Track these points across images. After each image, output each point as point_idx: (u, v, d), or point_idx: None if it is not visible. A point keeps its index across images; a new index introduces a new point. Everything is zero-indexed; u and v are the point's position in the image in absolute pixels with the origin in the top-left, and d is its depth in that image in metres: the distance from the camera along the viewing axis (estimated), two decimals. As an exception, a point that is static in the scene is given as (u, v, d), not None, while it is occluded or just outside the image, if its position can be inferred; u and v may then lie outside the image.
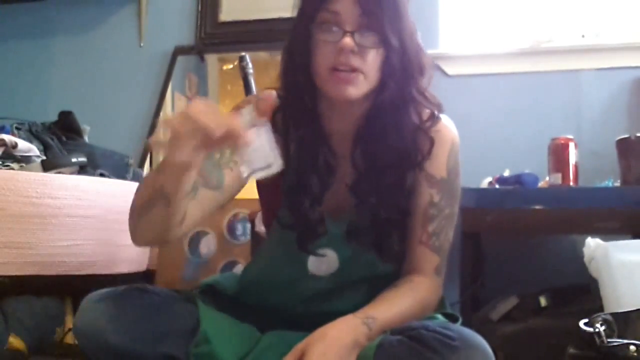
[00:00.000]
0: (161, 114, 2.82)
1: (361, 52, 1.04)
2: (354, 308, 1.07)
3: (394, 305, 1.09)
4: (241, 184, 1.17)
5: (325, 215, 1.15)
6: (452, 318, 1.20)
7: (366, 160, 1.13)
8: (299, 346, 1.01)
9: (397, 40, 1.05)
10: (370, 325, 1.04)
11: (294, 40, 1.12)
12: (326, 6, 1.05)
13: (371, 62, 1.05)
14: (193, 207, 1.07)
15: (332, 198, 1.16)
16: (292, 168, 1.14)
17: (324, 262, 1.15)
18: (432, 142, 1.14)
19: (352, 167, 1.14)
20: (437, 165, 1.15)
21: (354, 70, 1.05)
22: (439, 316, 1.18)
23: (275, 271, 1.18)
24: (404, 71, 1.07)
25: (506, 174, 1.98)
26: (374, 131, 1.11)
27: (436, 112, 1.15)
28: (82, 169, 2.08)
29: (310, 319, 1.07)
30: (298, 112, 1.14)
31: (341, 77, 1.05)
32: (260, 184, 1.25)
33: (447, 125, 1.17)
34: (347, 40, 1.03)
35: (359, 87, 1.06)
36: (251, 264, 1.26)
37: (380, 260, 1.15)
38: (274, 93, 1.20)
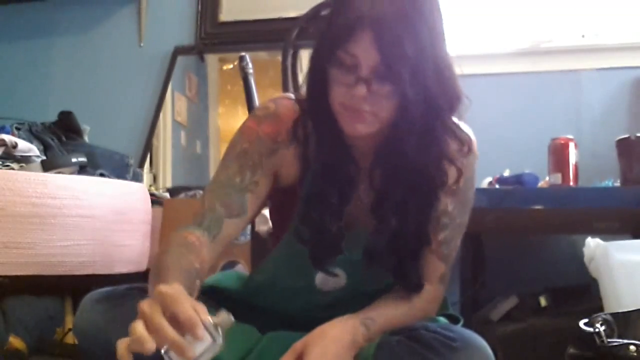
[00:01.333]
0: (161, 114, 2.82)
1: (374, 96, 0.99)
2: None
3: (394, 308, 1.08)
4: (266, 201, 1.15)
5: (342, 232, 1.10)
6: (454, 319, 1.20)
7: (386, 180, 1.08)
8: (298, 345, 1.01)
9: (417, 91, 0.97)
10: (369, 326, 1.04)
11: (313, 69, 1.06)
12: (345, 47, 0.97)
13: (385, 106, 1.00)
14: (217, 244, 1.06)
15: (351, 216, 1.12)
16: (311, 179, 1.10)
17: (331, 280, 1.13)
18: (459, 173, 1.09)
19: (371, 185, 1.10)
20: (449, 190, 1.11)
21: (367, 112, 1.00)
22: (441, 318, 1.18)
23: (280, 282, 1.17)
24: (422, 117, 1.00)
25: (506, 174, 1.98)
26: (392, 156, 1.06)
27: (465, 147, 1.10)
28: (82, 169, 2.08)
29: (312, 323, 1.06)
30: (319, 126, 1.09)
31: (351, 115, 1.01)
32: (275, 196, 1.20)
33: (468, 134, 1.13)
34: (360, 89, 0.98)
35: (370, 125, 1.02)
36: (257, 272, 1.24)
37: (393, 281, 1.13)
38: (291, 98, 1.15)
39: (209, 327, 0.84)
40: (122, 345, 0.81)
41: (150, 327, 0.80)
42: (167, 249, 1.04)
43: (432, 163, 1.06)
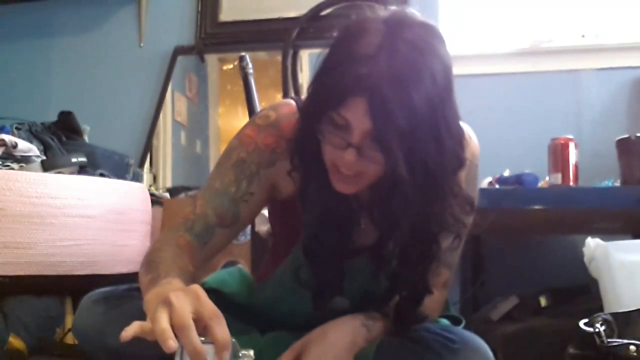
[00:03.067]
0: (161, 114, 2.82)
1: (364, 161, 0.93)
2: None
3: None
4: (259, 211, 1.13)
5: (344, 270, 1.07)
6: (456, 321, 1.19)
7: (385, 220, 1.03)
8: (297, 344, 1.01)
9: (410, 157, 0.91)
10: (370, 328, 1.03)
11: (306, 123, 1.00)
12: (338, 109, 0.92)
13: (374, 171, 0.95)
14: (206, 252, 1.05)
15: (353, 245, 1.09)
16: (312, 212, 1.06)
17: (333, 304, 1.10)
18: (464, 228, 1.04)
19: (372, 225, 1.05)
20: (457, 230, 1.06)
21: (355, 173, 0.96)
22: (442, 319, 1.18)
23: (281, 304, 1.16)
24: (420, 182, 0.93)
25: (506, 174, 1.98)
26: (388, 208, 1.00)
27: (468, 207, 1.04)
28: (82, 169, 2.08)
29: (313, 324, 1.06)
30: (312, 172, 1.03)
31: (338, 176, 0.97)
32: (274, 207, 1.20)
33: (470, 137, 1.10)
34: (349, 154, 0.92)
35: (356, 186, 0.98)
36: (258, 291, 1.21)
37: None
38: (293, 105, 1.10)
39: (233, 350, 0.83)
40: (135, 326, 0.81)
41: (177, 324, 0.78)
42: (162, 246, 1.02)
43: (433, 224, 1.00)
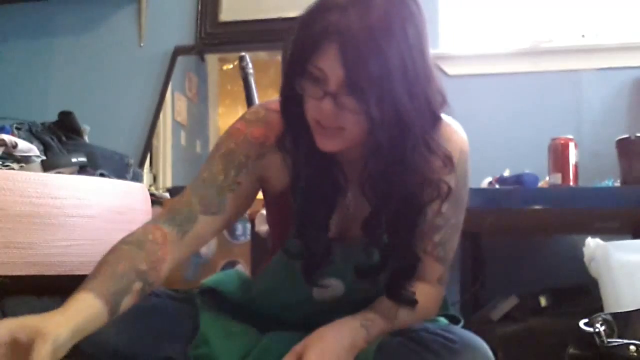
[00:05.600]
0: (161, 114, 2.82)
1: (342, 111, 0.96)
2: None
3: (394, 310, 1.08)
4: (247, 204, 1.14)
5: (333, 244, 1.09)
6: (454, 320, 1.19)
7: (376, 195, 1.05)
8: (297, 347, 1.01)
9: (385, 112, 0.93)
10: (369, 329, 1.04)
11: (287, 86, 1.03)
12: (312, 60, 0.95)
13: (355, 122, 0.97)
14: (187, 242, 1.05)
15: (342, 224, 1.12)
16: (300, 192, 1.08)
17: (328, 290, 1.12)
18: (448, 189, 1.06)
19: (364, 196, 1.06)
20: (438, 203, 1.08)
21: (336, 127, 0.98)
22: (441, 319, 1.18)
23: (278, 294, 1.16)
24: (397, 135, 0.96)
25: (506, 174, 1.98)
26: (378, 173, 1.03)
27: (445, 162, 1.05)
28: (82, 169, 2.08)
29: (312, 324, 1.06)
30: (298, 139, 1.07)
31: (322, 131, 0.99)
32: (269, 202, 1.21)
33: (457, 132, 1.11)
34: (325, 103, 0.95)
35: (340, 141, 1.00)
36: (255, 283, 1.23)
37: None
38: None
39: None
40: None
41: None
42: (117, 245, 1.04)
43: (414, 182, 1.02)
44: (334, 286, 1.12)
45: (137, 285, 0.97)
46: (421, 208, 1.05)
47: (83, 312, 0.92)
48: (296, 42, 0.99)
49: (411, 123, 0.96)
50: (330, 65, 0.94)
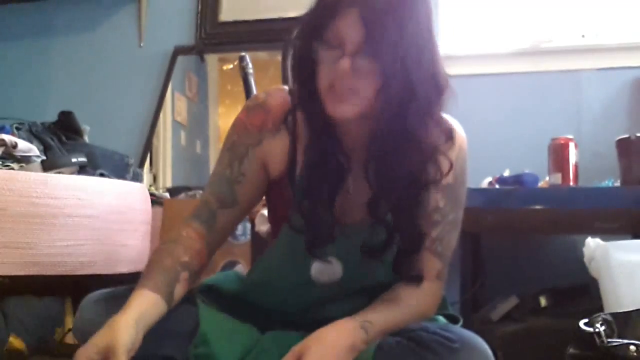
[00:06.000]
0: (161, 114, 2.82)
1: (359, 73, 1.01)
2: (353, 313, 1.07)
3: (393, 310, 1.08)
4: (258, 192, 1.18)
5: (336, 222, 1.11)
6: (453, 319, 1.19)
7: (379, 177, 1.08)
8: (296, 348, 1.01)
9: (399, 71, 1.00)
10: (368, 330, 1.04)
11: (300, 53, 1.09)
12: (330, 25, 1.01)
13: (369, 85, 1.02)
14: (215, 234, 1.13)
15: (345, 207, 1.13)
16: (301, 169, 1.12)
17: (327, 270, 1.13)
18: (450, 164, 1.10)
19: (366, 182, 1.10)
20: (440, 182, 1.11)
21: (349, 89, 1.02)
22: (440, 318, 1.18)
23: (277, 275, 1.17)
24: (406, 101, 1.02)
25: (506, 174, 1.98)
26: (382, 152, 1.07)
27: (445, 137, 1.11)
28: (82, 169, 2.08)
29: (312, 323, 1.06)
30: (309, 116, 1.11)
31: (336, 95, 1.03)
32: (269, 188, 1.22)
33: (456, 130, 1.14)
34: (344, 63, 1.00)
35: (354, 106, 1.03)
36: (256, 266, 1.25)
37: (391, 274, 1.13)
38: (285, 90, 1.18)
39: None
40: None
41: None
42: (159, 246, 1.12)
43: (417, 160, 1.07)
44: (333, 265, 1.12)
45: (184, 275, 1.06)
46: (423, 186, 1.09)
47: (143, 305, 0.99)
48: (314, 10, 1.05)
49: (419, 89, 1.02)
50: (349, 28, 0.99)
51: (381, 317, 1.06)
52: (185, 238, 1.10)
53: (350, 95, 1.02)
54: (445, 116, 1.11)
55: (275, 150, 1.15)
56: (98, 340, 0.94)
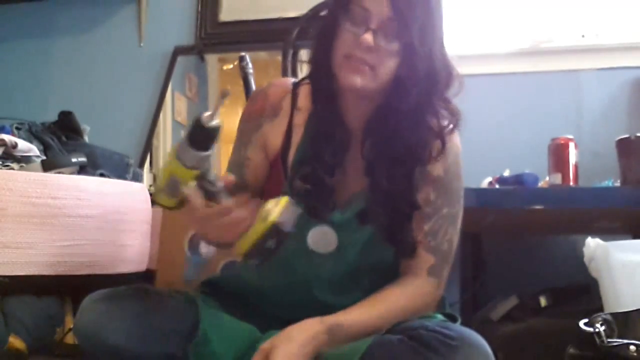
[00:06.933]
0: (161, 114, 2.82)
1: (378, 50, 1.05)
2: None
3: (371, 310, 1.09)
4: (262, 174, 1.25)
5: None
6: (451, 318, 1.20)
7: (376, 150, 1.14)
8: (265, 346, 1.03)
9: (421, 54, 1.05)
10: (335, 333, 1.06)
11: (324, 24, 1.13)
12: (358, 1, 1.06)
13: (386, 63, 1.06)
14: None
15: (339, 184, 1.16)
16: (304, 142, 1.17)
17: (322, 238, 1.16)
18: (443, 145, 1.14)
19: (361, 152, 1.16)
20: (434, 163, 1.15)
21: (366, 63, 1.06)
22: (439, 315, 1.18)
23: (274, 268, 1.17)
24: (419, 80, 1.07)
25: (506, 174, 1.98)
26: (383, 127, 1.12)
27: (452, 124, 1.16)
28: (82, 169, 2.08)
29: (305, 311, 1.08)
30: (317, 89, 1.17)
31: (352, 66, 1.07)
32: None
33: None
34: (367, 37, 1.04)
35: (368, 80, 1.07)
36: None
37: (390, 248, 1.15)
38: (288, 80, 1.25)
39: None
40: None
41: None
42: None
43: (418, 138, 1.12)
44: (328, 235, 1.15)
45: None
46: (417, 160, 1.13)
47: None
48: None
49: (436, 73, 1.08)
50: (377, 4, 1.04)
51: (353, 319, 1.08)
52: None
53: (367, 69, 1.06)
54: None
55: (273, 132, 1.21)
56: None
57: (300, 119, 1.20)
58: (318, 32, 1.15)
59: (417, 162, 1.14)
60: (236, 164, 1.23)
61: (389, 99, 1.10)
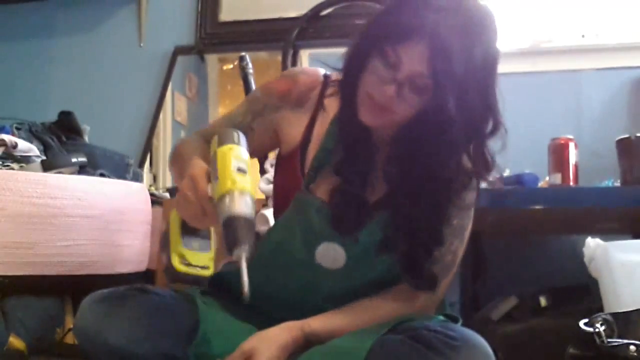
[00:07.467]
0: (161, 114, 2.82)
1: (402, 101, 1.00)
2: None
3: (356, 320, 1.10)
4: (259, 151, 1.22)
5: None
6: (452, 319, 1.19)
7: (399, 177, 1.09)
8: (245, 347, 1.05)
9: (452, 108, 0.98)
10: (313, 340, 1.07)
11: (355, 51, 1.07)
12: (394, 46, 0.98)
13: (406, 111, 1.01)
14: None
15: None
16: (325, 144, 1.13)
17: (331, 255, 1.13)
18: (477, 194, 1.12)
19: (384, 176, 1.11)
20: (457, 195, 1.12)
21: (386, 109, 1.02)
22: (440, 316, 1.18)
23: (283, 251, 1.17)
24: (436, 139, 1.01)
25: (506, 174, 1.98)
26: (404, 159, 1.08)
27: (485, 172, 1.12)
28: (82, 169, 2.08)
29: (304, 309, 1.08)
30: (345, 102, 1.10)
31: (371, 106, 1.03)
32: (279, 162, 1.24)
33: None
34: (390, 89, 0.99)
35: (385, 122, 1.04)
36: (262, 240, 1.23)
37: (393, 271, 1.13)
38: (321, 72, 1.18)
39: None
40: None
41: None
42: (186, 141, 1.18)
43: (449, 171, 1.06)
44: (337, 253, 1.13)
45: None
46: (445, 197, 1.08)
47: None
48: (384, 23, 1.02)
49: (480, 128, 1.06)
50: (411, 58, 0.97)
51: (331, 327, 1.09)
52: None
53: (385, 114, 1.02)
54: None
55: (293, 123, 1.17)
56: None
57: (324, 119, 1.15)
58: (348, 57, 1.08)
59: (444, 198, 1.09)
60: (235, 125, 1.15)
61: (403, 136, 1.06)
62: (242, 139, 1.01)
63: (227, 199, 0.93)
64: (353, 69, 1.06)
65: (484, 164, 1.10)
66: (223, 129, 1.03)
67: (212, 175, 0.97)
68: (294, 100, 1.17)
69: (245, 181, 0.95)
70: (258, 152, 1.22)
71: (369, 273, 1.14)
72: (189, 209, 0.98)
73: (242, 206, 0.93)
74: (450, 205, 1.09)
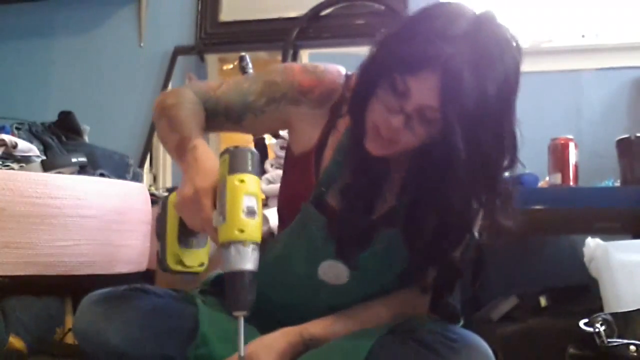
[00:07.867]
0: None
1: (408, 132, 0.97)
2: None
3: (352, 326, 1.09)
4: (257, 131, 1.27)
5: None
6: (452, 320, 1.19)
7: (412, 207, 1.05)
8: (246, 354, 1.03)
9: (467, 151, 0.93)
10: (311, 345, 1.07)
11: (365, 76, 1.03)
12: (405, 76, 0.94)
13: (410, 143, 0.98)
14: (210, 126, 1.15)
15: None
16: (337, 156, 1.10)
17: (334, 272, 1.12)
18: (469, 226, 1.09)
19: (397, 202, 1.09)
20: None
21: (392, 139, 0.99)
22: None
23: (285, 265, 1.16)
24: (443, 174, 0.96)
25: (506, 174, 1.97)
26: (414, 189, 1.05)
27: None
28: (82, 169, 2.08)
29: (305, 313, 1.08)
30: (354, 126, 1.06)
31: (376, 137, 1.00)
32: (289, 163, 1.22)
33: None
34: (396, 120, 0.95)
35: (389, 151, 1.01)
36: (266, 252, 1.23)
37: (399, 281, 1.12)
38: (342, 73, 1.14)
39: None
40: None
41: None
42: (181, 102, 1.11)
43: (463, 206, 1.03)
44: (341, 270, 1.11)
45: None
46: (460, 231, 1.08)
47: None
48: (395, 51, 0.96)
49: (492, 166, 1.00)
50: (421, 90, 0.93)
51: (334, 332, 1.08)
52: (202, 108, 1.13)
53: (391, 144, 0.99)
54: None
55: (310, 124, 1.13)
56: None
57: (341, 125, 1.11)
58: (358, 81, 1.05)
59: (459, 229, 1.08)
60: (246, 102, 1.13)
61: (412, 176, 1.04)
62: (256, 160, 0.94)
63: (232, 250, 0.89)
64: (361, 93, 1.02)
65: (499, 198, 1.07)
66: (237, 149, 0.94)
67: (218, 202, 0.92)
68: (316, 99, 1.12)
69: (253, 229, 0.89)
70: (260, 133, 1.21)
71: (371, 288, 1.13)
72: (189, 220, 0.98)
73: (246, 261, 0.89)
74: (464, 234, 1.10)
